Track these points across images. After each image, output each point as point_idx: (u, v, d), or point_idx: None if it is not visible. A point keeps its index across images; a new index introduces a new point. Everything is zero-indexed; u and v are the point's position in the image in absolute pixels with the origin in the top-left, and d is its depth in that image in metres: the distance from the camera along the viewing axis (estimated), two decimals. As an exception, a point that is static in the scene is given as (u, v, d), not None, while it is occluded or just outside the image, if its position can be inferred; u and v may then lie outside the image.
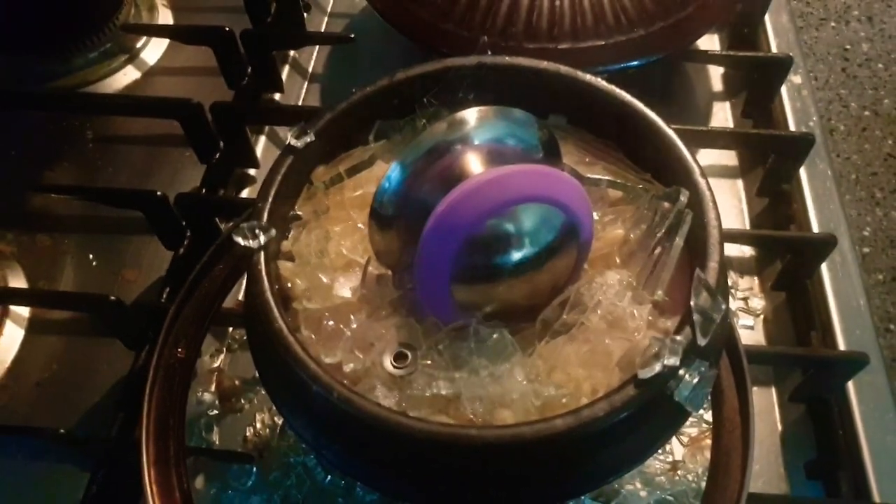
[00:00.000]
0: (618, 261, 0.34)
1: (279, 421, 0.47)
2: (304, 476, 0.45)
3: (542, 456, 0.29)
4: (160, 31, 0.63)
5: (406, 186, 0.31)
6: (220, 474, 0.45)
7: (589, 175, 0.35)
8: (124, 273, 0.53)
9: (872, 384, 0.45)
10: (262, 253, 0.31)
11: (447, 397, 0.30)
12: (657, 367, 0.28)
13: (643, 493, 0.45)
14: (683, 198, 0.33)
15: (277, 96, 0.60)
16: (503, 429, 0.27)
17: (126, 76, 0.63)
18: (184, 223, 0.49)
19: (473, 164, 0.31)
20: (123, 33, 0.62)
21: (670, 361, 0.28)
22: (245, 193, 0.56)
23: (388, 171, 0.31)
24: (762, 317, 0.50)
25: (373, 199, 0.32)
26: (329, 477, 0.45)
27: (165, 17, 0.68)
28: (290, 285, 0.33)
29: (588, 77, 0.36)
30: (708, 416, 0.44)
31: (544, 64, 0.37)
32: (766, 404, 0.47)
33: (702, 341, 0.29)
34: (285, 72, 0.62)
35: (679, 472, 0.45)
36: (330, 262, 0.34)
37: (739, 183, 0.56)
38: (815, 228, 0.50)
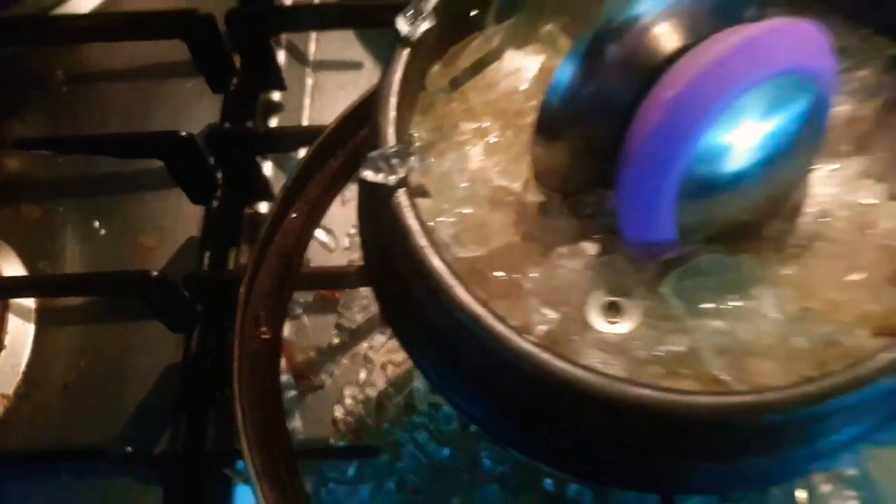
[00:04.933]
0: (847, 148, 0.26)
1: (373, 394, 0.39)
2: (418, 454, 0.37)
3: (836, 411, 0.21)
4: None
5: (584, 83, 0.22)
6: (312, 466, 0.37)
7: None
8: (142, 239, 0.43)
9: None
10: (405, 190, 0.22)
11: (679, 354, 0.22)
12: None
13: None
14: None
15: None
16: (811, 386, 0.19)
17: (90, -4, 0.51)
18: (215, 169, 0.39)
19: (672, 37, 0.23)
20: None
21: None
22: (274, 123, 0.45)
23: (558, 69, 0.22)
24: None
25: (541, 107, 0.23)
26: (447, 451, 0.38)
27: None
28: (432, 229, 0.24)
29: None
30: None
31: None
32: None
33: None
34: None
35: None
36: (476, 194, 0.25)
37: None
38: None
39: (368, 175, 0.22)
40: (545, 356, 0.20)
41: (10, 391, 0.38)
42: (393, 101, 0.23)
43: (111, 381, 0.38)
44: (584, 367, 0.20)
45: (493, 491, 0.37)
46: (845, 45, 0.27)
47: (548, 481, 0.37)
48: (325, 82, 0.48)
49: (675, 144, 0.20)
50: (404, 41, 0.24)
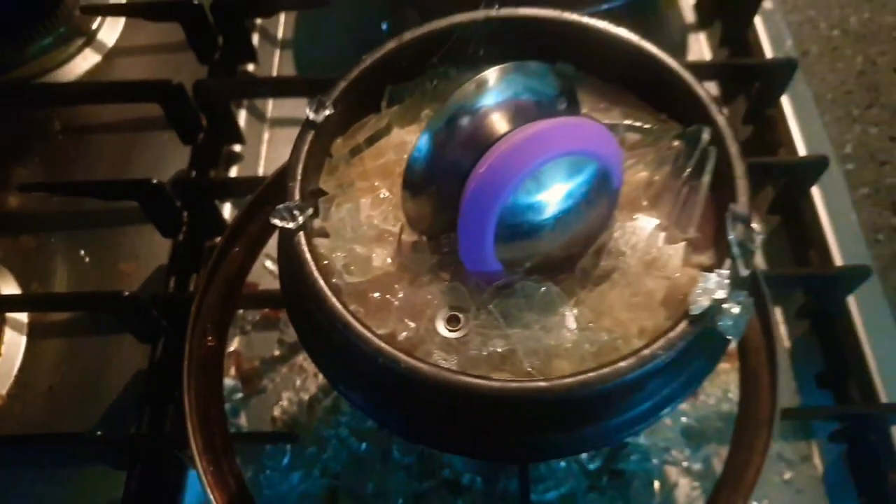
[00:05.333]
0: (645, 203, 0.35)
1: (306, 397, 0.47)
2: (340, 447, 0.45)
3: (606, 399, 0.29)
4: (123, 9, 0.60)
5: (436, 153, 0.31)
6: (255, 456, 0.45)
7: (606, 121, 0.36)
8: (121, 266, 0.51)
9: (869, 294, 0.48)
10: (303, 233, 0.30)
11: (503, 354, 0.31)
12: (707, 302, 0.29)
13: (667, 422, 0.47)
14: (706, 135, 0.33)
15: (251, 67, 0.58)
16: (571, 378, 0.28)
17: (86, 60, 0.60)
18: (182, 209, 0.47)
19: (501, 123, 0.31)
20: (79, 14, 0.58)
21: (718, 295, 0.29)
22: (234, 171, 0.54)
23: (417, 141, 0.31)
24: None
25: (405, 169, 0.31)
26: (364, 445, 0.45)
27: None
28: (327, 262, 0.32)
29: (595, 22, 0.36)
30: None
31: (550, 13, 0.36)
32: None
33: (744, 272, 0.30)
34: (255, 41, 0.60)
35: (700, 397, 0.47)
36: (363, 235, 0.33)
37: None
38: (802, 150, 0.52)
39: (276, 222, 0.30)
40: (392, 351, 0.28)
41: (3, 391, 0.46)
42: (299, 168, 0.32)
43: (89, 382, 0.46)
44: (421, 360, 0.28)
45: (401, 477, 0.44)
46: (647, 125, 0.36)
47: (446, 471, 0.45)
48: (279, 136, 0.57)
49: (486, 205, 0.29)
50: (310, 125, 0.33)
